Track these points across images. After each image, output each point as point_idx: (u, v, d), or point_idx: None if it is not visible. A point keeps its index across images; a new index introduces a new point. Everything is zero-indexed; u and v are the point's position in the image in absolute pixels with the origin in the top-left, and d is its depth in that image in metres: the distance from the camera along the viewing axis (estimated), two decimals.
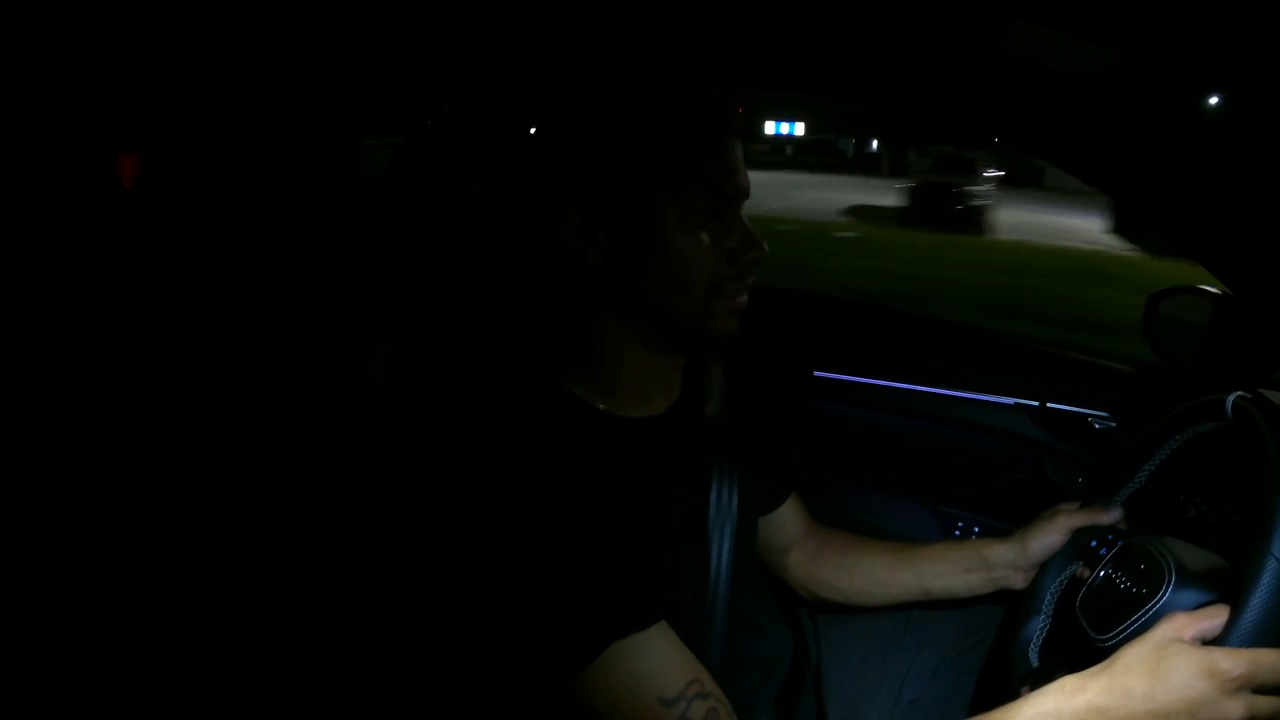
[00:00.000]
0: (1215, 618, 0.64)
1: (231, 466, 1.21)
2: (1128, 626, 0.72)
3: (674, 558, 0.85)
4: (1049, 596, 0.93)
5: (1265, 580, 0.61)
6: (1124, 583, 0.77)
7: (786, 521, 1.12)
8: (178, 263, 1.26)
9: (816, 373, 1.71)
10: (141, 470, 1.16)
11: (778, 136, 32.87)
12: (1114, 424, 1.46)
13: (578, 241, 0.82)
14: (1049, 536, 0.96)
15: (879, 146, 30.87)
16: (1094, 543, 0.87)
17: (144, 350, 1.21)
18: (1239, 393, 0.75)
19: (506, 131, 1.45)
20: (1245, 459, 0.71)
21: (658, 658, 0.75)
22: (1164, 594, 0.71)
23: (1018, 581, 1.00)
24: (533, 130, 1.43)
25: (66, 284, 1.17)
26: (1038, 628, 0.91)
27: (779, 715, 1.04)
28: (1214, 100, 0.96)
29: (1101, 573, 0.81)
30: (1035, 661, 0.89)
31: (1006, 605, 1.02)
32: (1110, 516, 0.93)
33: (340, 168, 1.61)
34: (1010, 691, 0.86)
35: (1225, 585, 0.68)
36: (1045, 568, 0.96)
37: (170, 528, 1.15)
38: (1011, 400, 1.56)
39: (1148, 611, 0.71)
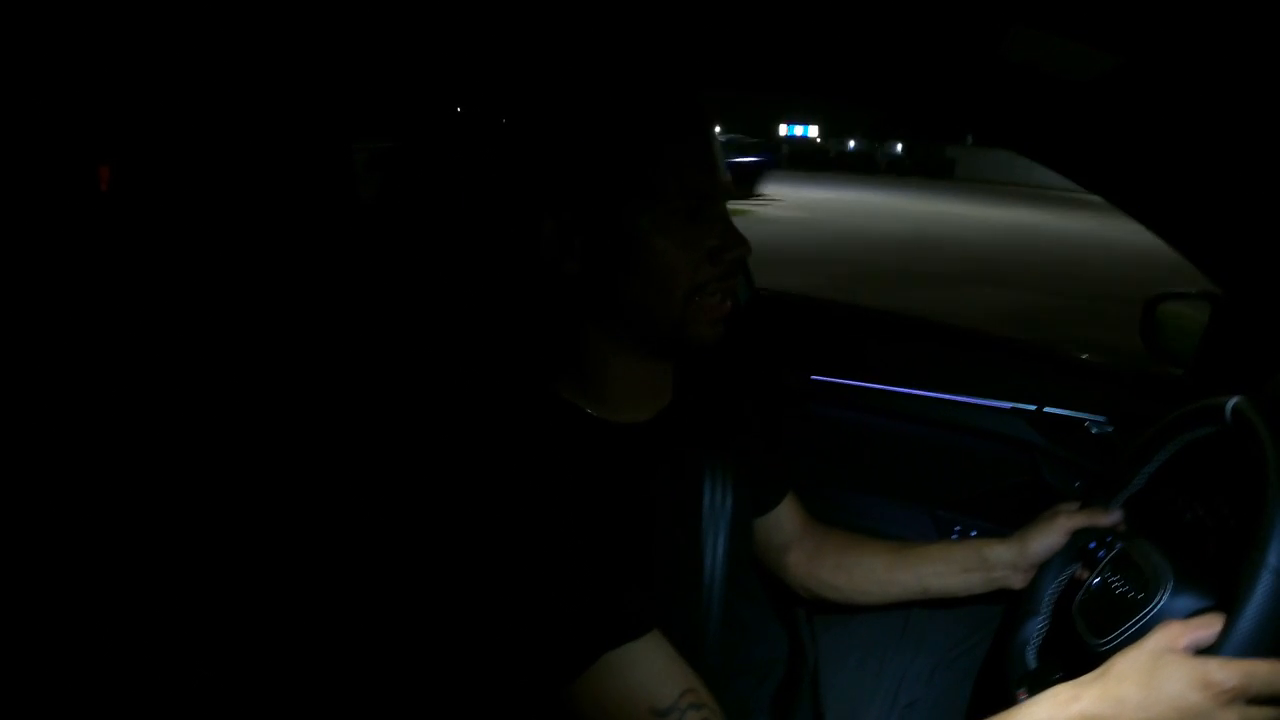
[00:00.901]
0: (1210, 626, 0.64)
1: (221, 467, 1.21)
2: (1124, 631, 0.72)
3: (668, 563, 0.85)
4: (1048, 597, 0.93)
5: (1260, 590, 0.60)
6: (1121, 587, 0.76)
7: (784, 521, 1.12)
8: (153, 261, 1.27)
9: (814, 377, 1.71)
10: (129, 467, 1.16)
11: (790, 138, 33.46)
12: (1110, 428, 1.46)
13: (554, 250, 0.81)
14: (1048, 537, 0.96)
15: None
16: (1093, 544, 0.87)
17: (118, 345, 1.21)
18: (1239, 398, 0.75)
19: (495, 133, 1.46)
20: (1244, 464, 0.71)
21: (650, 668, 0.74)
22: (1160, 599, 0.70)
23: (1017, 581, 0.99)
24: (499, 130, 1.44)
25: (50, 279, 1.18)
26: (1036, 629, 0.91)
27: (776, 718, 1.04)
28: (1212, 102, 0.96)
29: (1098, 577, 0.81)
30: (1033, 663, 0.89)
31: (1004, 607, 1.01)
32: (1110, 518, 0.92)
33: (327, 173, 1.62)
34: (1007, 693, 0.85)
35: (1222, 591, 0.68)
36: (1044, 568, 0.95)
37: (155, 528, 1.14)
38: (1008, 404, 1.56)
39: (1144, 617, 0.71)
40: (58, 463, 1.12)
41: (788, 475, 1.13)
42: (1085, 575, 0.86)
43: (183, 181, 1.29)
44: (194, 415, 1.23)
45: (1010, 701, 0.79)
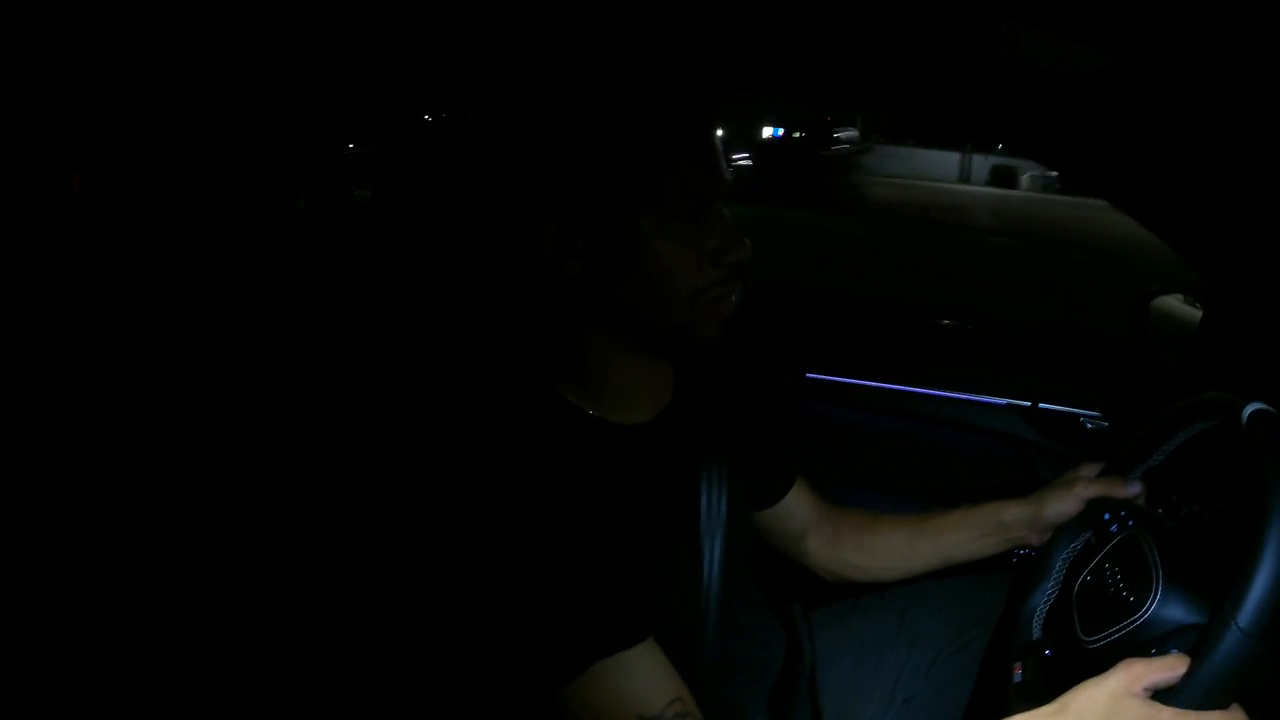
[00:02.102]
0: (1173, 669, 0.63)
1: (218, 468, 1.20)
2: (1111, 634, 0.72)
3: (667, 563, 0.85)
4: (1060, 564, 0.92)
5: (1223, 649, 0.60)
6: (1115, 583, 0.76)
7: (795, 509, 1.12)
8: (143, 264, 1.28)
9: (809, 374, 1.72)
10: (135, 469, 1.16)
11: (775, 139, 33.79)
12: (1106, 423, 1.46)
13: (554, 251, 0.80)
14: (1063, 504, 0.94)
15: None
16: (1107, 515, 0.86)
17: (105, 347, 1.22)
18: (1259, 406, 0.72)
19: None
20: (1246, 471, 0.70)
21: (641, 676, 0.75)
22: (1149, 608, 0.70)
23: (1034, 540, 0.99)
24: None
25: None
26: (1045, 596, 0.90)
27: (773, 715, 1.04)
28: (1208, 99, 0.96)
29: (1099, 564, 0.80)
30: (1038, 632, 0.88)
31: (1007, 594, 1.01)
32: (1128, 490, 0.89)
33: (326, 175, 1.61)
34: (1005, 679, 0.85)
35: (1209, 602, 0.67)
36: (1058, 533, 0.94)
37: (151, 528, 1.14)
38: (1004, 400, 1.57)
39: (1131, 623, 0.70)
40: (53, 461, 1.12)
41: (792, 464, 1.13)
42: (1097, 545, 0.85)
43: (171, 185, 1.29)
44: (191, 416, 1.22)
45: (1008, 679, 0.79)
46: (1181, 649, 0.66)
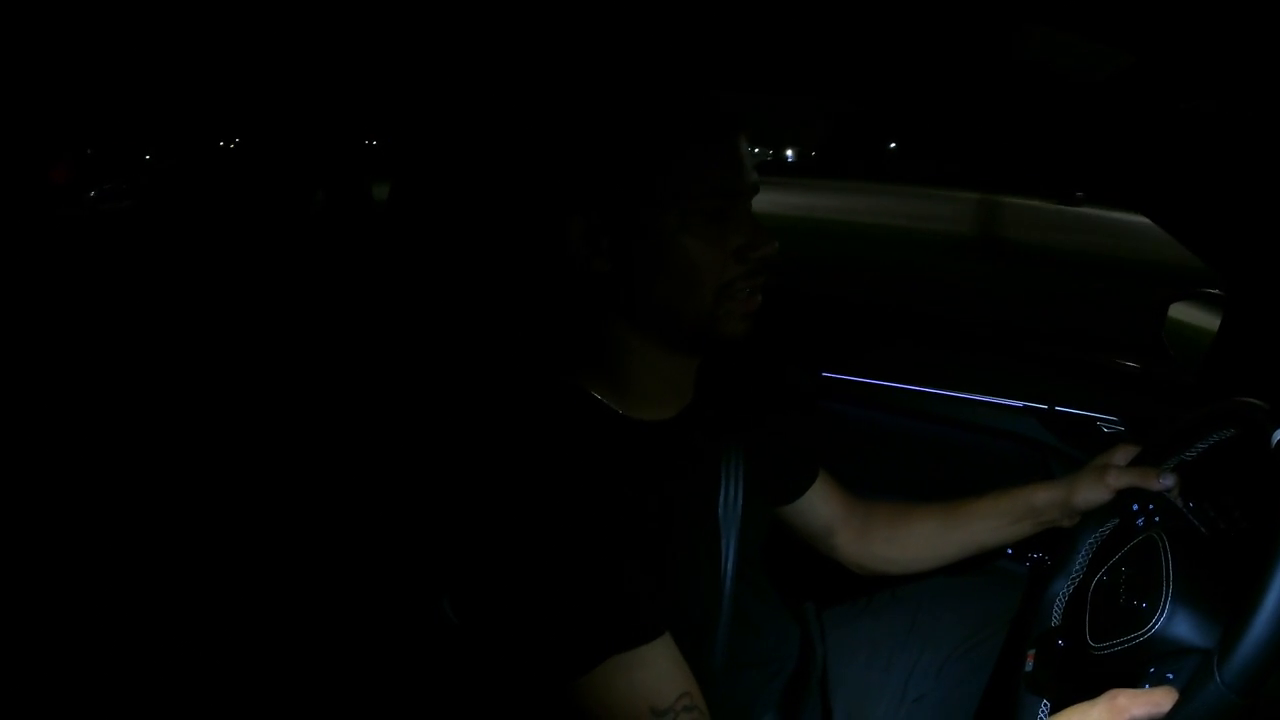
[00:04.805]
0: (1158, 705, 0.63)
1: (242, 465, 1.22)
2: (1117, 645, 0.71)
3: (685, 560, 0.86)
4: (1085, 550, 0.92)
5: (1202, 700, 0.60)
6: (1127, 589, 0.75)
7: (818, 505, 1.12)
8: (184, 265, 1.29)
9: (824, 373, 1.72)
10: (151, 469, 1.17)
11: None
12: (1122, 428, 1.45)
13: (582, 249, 0.82)
14: (1094, 493, 0.94)
15: None
16: (1135, 506, 0.86)
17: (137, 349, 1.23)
18: None
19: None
20: (1264, 492, 0.69)
21: (655, 670, 0.75)
22: (1154, 624, 0.69)
23: (1065, 522, 0.99)
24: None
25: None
26: (1067, 582, 0.90)
27: (784, 713, 1.05)
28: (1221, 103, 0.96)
29: (1112, 569, 0.80)
30: (1056, 619, 0.88)
31: (1026, 583, 1.00)
32: (1160, 483, 0.88)
33: (346, 173, 1.63)
34: (1019, 665, 0.85)
35: (1221, 616, 0.67)
36: (1085, 519, 0.94)
37: (172, 527, 1.16)
38: (1020, 403, 1.56)
39: (1138, 638, 0.70)
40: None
41: (814, 460, 1.13)
42: (1119, 541, 0.83)
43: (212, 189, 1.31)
44: (210, 415, 1.24)
45: (1019, 666, 0.79)
46: (1180, 674, 0.66)
